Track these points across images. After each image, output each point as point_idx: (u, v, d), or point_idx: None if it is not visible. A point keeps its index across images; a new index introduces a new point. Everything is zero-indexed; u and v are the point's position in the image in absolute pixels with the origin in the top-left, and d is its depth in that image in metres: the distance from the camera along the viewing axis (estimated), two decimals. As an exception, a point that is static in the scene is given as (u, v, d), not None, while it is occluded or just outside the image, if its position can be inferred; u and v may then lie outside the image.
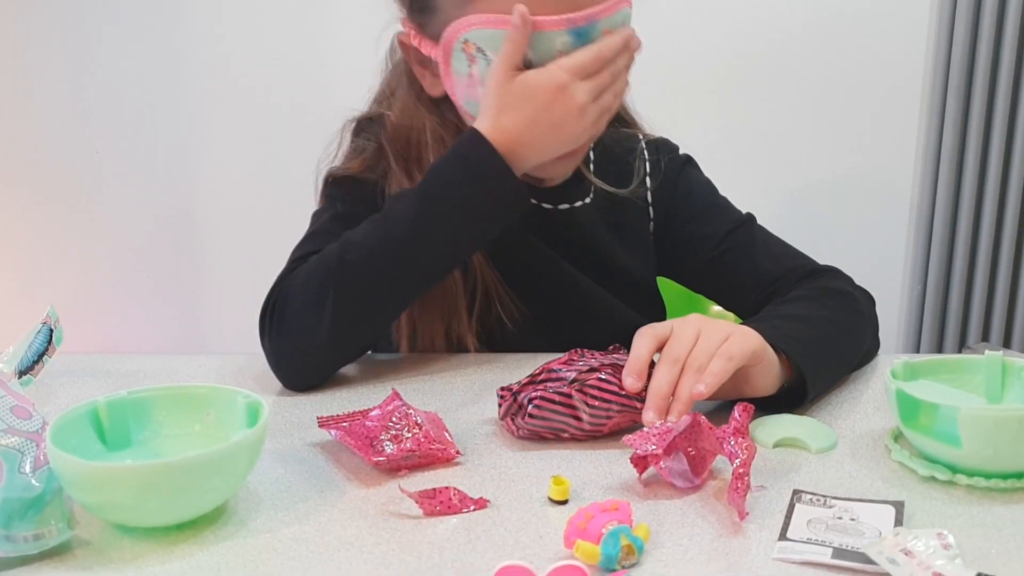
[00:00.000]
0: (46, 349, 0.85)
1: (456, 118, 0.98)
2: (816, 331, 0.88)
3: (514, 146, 0.86)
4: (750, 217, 1.09)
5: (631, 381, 0.76)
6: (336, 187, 1.03)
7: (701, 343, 0.77)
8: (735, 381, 0.78)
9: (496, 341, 1.02)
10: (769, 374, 0.80)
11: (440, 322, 0.98)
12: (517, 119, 0.85)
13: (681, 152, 1.13)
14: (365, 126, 1.05)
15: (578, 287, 1.05)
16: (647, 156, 1.10)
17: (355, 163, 1.02)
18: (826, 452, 0.76)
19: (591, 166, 1.07)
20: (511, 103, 0.85)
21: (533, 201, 1.03)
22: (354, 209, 0.98)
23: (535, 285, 1.02)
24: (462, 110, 0.95)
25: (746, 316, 0.97)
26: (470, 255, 0.96)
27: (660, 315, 1.13)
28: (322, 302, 0.86)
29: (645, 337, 0.79)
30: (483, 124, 0.87)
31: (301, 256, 0.94)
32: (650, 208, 1.09)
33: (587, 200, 1.06)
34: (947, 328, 2.16)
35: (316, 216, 1.04)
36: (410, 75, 1.00)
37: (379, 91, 1.06)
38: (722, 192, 1.12)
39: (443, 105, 0.98)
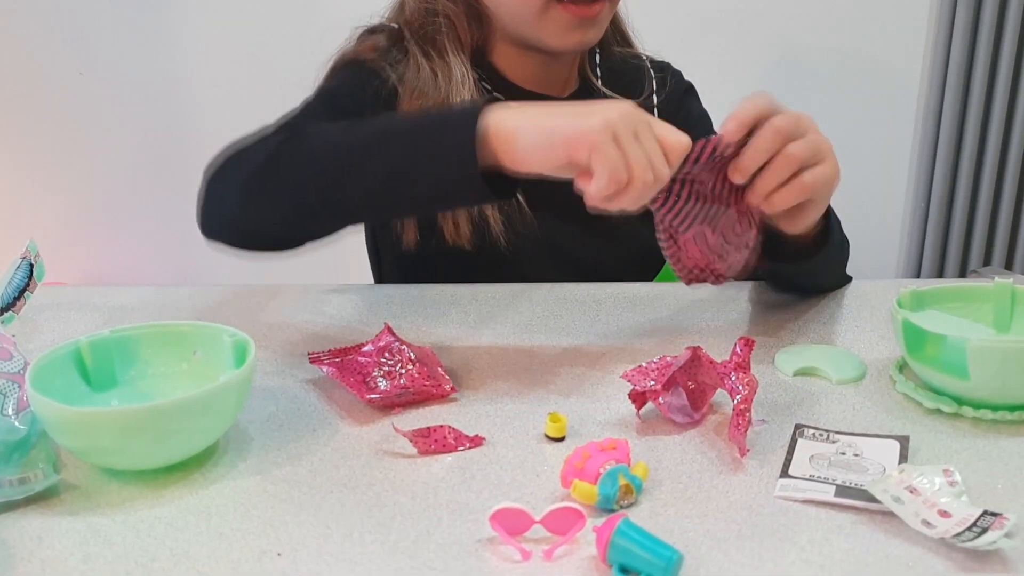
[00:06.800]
0: (27, 285, 0.83)
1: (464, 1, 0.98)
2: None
3: (507, 132, 0.70)
4: None
5: (733, 125, 0.70)
6: (344, 70, 1.00)
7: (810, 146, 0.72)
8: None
9: (516, 233, 0.99)
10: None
11: None
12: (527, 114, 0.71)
13: (684, 78, 1.14)
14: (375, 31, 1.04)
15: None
16: (652, 73, 1.10)
17: (365, 46, 1.00)
18: (850, 384, 0.74)
19: (599, 80, 1.07)
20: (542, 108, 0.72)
21: None
22: (352, 96, 0.95)
23: (547, 205, 1.00)
24: None
25: None
26: (405, 210, 0.83)
27: None
28: (251, 170, 0.80)
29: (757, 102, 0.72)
30: (500, 108, 0.72)
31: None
32: None
33: None
34: (949, 250, 2.14)
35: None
36: None
37: (392, 5, 1.05)
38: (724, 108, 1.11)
39: None
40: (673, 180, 0.71)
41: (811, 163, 0.72)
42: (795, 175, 0.72)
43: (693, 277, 0.78)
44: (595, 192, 0.66)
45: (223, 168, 0.84)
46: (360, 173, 0.75)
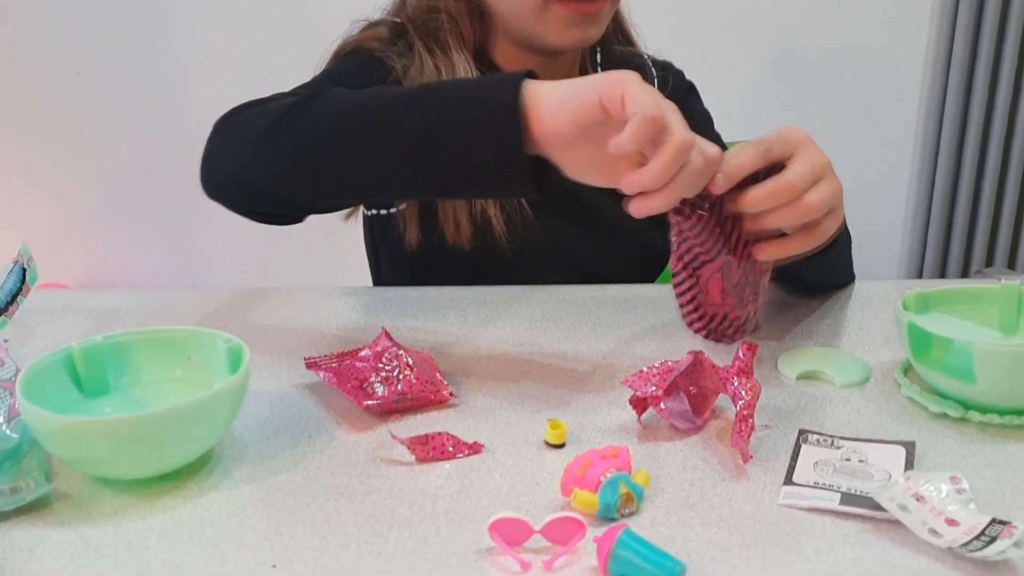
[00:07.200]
0: (19, 289, 0.82)
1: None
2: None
3: (536, 93, 0.67)
4: None
5: (721, 179, 0.66)
6: (350, 56, 0.99)
7: (820, 193, 0.68)
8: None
9: (517, 234, 0.97)
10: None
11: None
12: (564, 86, 0.67)
13: (686, 78, 1.14)
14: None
15: (597, 208, 1.02)
16: (655, 73, 1.10)
17: (368, 35, 0.99)
18: (854, 387, 0.73)
19: None
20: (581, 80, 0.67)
21: None
22: (358, 80, 0.92)
23: (549, 205, 0.99)
24: None
25: None
26: (426, 182, 0.73)
27: None
28: (265, 123, 0.77)
29: (754, 149, 0.67)
30: (535, 80, 0.69)
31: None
32: None
33: None
34: (951, 250, 2.12)
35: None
36: None
37: (393, 0, 1.04)
38: (726, 118, 1.14)
39: None
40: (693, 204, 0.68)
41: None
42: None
43: (711, 329, 0.72)
44: (627, 136, 0.60)
45: (233, 120, 0.82)
46: (388, 132, 0.70)
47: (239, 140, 0.80)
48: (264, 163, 0.78)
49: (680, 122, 0.63)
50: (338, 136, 0.73)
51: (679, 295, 0.72)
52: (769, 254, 0.71)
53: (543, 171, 0.68)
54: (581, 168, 0.66)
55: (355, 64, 0.98)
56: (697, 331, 0.73)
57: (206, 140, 0.83)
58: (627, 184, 0.63)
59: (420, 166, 0.70)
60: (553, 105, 0.65)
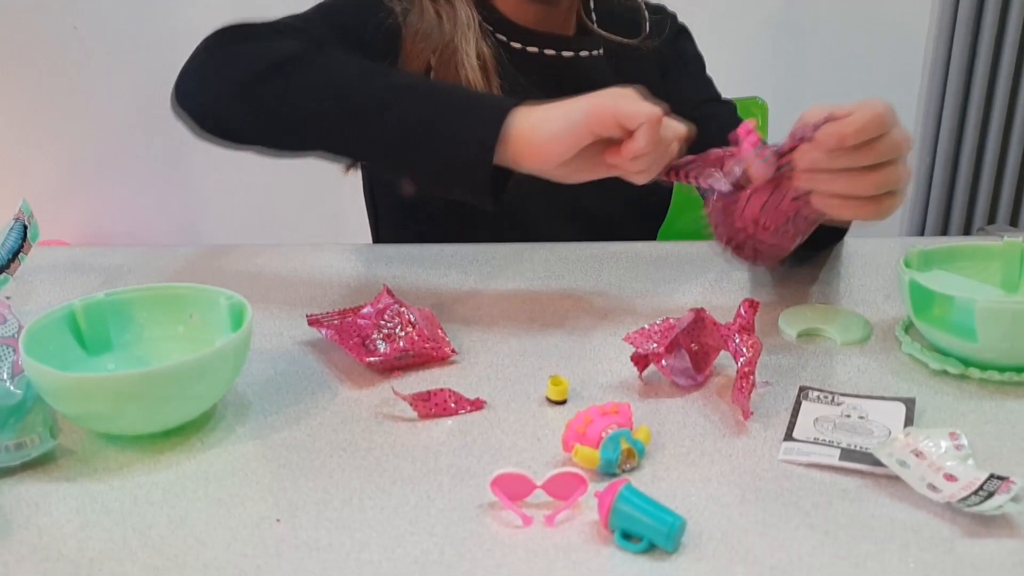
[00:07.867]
0: (21, 246, 0.82)
1: None
2: None
3: (527, 130, 0.71)
4: (730, 103, 1.11)
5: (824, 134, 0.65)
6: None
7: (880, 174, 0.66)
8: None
9: (516, 179, 0.97)
10: None
11: None
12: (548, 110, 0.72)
13: (679, 21, 1.14)
14: None
15: None
16: (647, 16, 1.10)
17: None
18: (854, 345, 0.73)
19: (595, 22, 1.06)
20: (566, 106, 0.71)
21: (533, 49, 1.00)
22: (355, 20, 0.93)
23: None
24: None
25: None
26: (394, 169, 0.82)
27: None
28: (254, 69, 0.79)
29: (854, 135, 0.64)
30: (524, 109, 0.73)
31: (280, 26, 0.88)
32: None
33: (596, 52, 1.04)
34: (954, 207, 2.12)
35: None
36: None
37: None
38: (726, 69, 1.14)
39: None
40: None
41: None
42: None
43: (733, 240, 0.74)
44: (643, 143, 0.67)
45: (223, 51, 0.82)
46: (367, 123, 0.74)
47: (222, 76, 0.82)
48: (243, 110, 0.81)
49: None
50: (319, 110, 0.77)
51: (712, 205, 0.75)
52: (826, 206, 0.68)
53: (505, 182, 0.75)
54: (573, 175, 0.72)
55: (353, 4, 0.96)
56: (719, 239, 0.76)
57: (191, 54, 0.84)
58: (624, 156, 0.70)
59: (390, 159, 0.77)
60: (546, 139, 0.70)
